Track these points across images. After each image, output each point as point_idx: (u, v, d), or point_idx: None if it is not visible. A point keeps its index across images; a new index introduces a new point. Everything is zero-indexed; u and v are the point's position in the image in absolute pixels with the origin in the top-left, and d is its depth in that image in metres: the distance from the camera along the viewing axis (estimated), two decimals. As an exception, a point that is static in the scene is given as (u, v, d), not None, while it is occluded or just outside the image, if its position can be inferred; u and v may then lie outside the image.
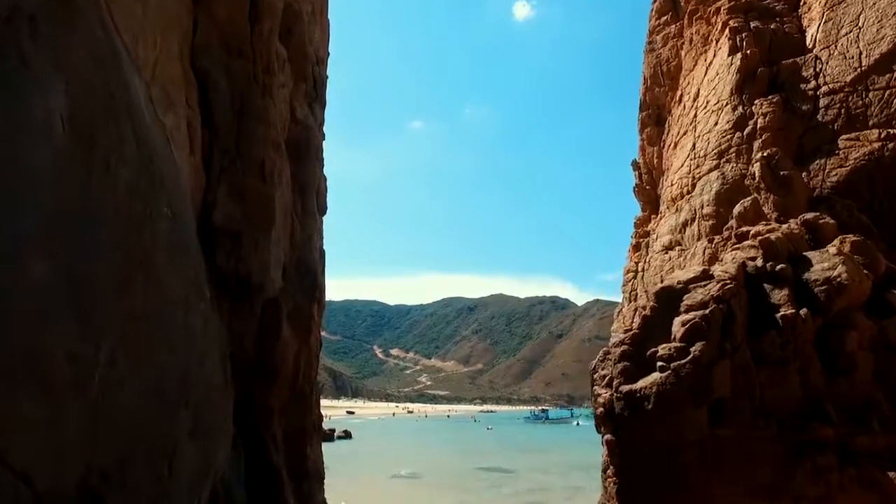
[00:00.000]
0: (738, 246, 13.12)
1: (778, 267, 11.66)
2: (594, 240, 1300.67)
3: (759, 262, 11.95)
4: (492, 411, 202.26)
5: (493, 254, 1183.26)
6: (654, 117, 23.37)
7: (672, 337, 12.13)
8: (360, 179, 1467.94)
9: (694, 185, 17.51)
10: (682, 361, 11.56)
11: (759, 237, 12.33)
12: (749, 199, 14.43)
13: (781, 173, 13.93)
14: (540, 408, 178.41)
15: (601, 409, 13.24)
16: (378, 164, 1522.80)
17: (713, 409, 11.36)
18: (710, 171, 16.67)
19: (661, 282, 16.19)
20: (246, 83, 11.44)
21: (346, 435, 69.90)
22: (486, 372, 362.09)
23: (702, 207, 16.74)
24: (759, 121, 15.22)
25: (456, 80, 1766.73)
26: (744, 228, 13.71)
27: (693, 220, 17.21)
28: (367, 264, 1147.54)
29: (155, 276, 5.08)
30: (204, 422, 7.01)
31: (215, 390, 7.99)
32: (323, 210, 14.17)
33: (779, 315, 11.24)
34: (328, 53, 15.67)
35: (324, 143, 14.43)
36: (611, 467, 13.32)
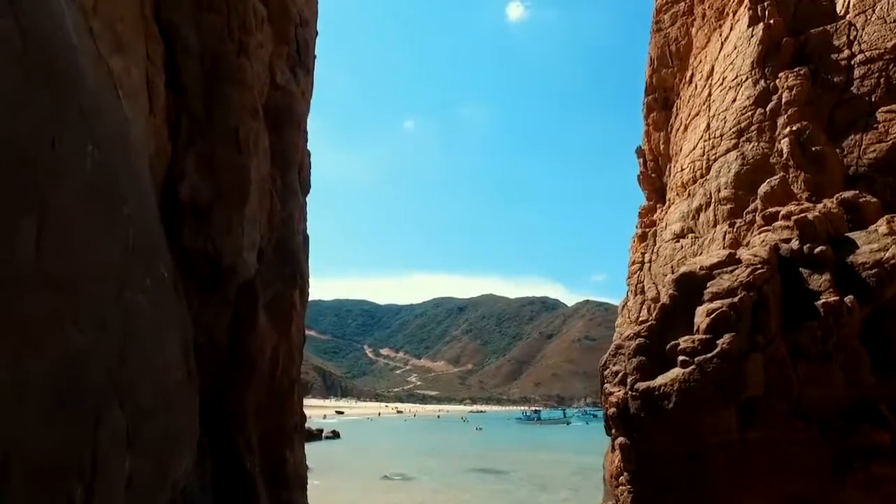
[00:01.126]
0: (766, 228, 11.87)
1: (817, 249, 10.38)
2: (585, 241, 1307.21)
3: (795, 244, 10.69)
4: (482, 411, 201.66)
5: (483, 254, 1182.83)
6: (661, 101, 22.10)
7: (695, 328, 10.95)
8: (351, 179, 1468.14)
9: (709, 168, 16.27)
10: (708, 355, 10.40)
11: (794, 217, 11.07)
12: (776, 177, 13.18)
13: (813, 149, 12.70)
14: (532, 408, 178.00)
15: (613, 408, 12.07)
16: (370, 164, 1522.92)
17: (743, 408, 10.20)
18: (728, 151, 15.43)
19: (672, 272, 14.98)
20: (219, 41, 10.22)
21: (335, 435, 69.34)
22: (476, 372, 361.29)
23: (718, 191, 15.50)
24: (785, 95, 13.96)
25: (449, 81, 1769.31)
26: (771, 209, 12.46)
27: (708, 204, 15.96)
28: (357, 264, 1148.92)
29: (63, 228, 3.70)
30: (154, 425, 5.66)
31: (174, 387, 6.68)
32: (306, 188, 12.84)
33: (819, 303, 10.01)
34: (316, 26, 14.30)
35: (308, 114, 13.09)
36: (624, 474, 12.13)
